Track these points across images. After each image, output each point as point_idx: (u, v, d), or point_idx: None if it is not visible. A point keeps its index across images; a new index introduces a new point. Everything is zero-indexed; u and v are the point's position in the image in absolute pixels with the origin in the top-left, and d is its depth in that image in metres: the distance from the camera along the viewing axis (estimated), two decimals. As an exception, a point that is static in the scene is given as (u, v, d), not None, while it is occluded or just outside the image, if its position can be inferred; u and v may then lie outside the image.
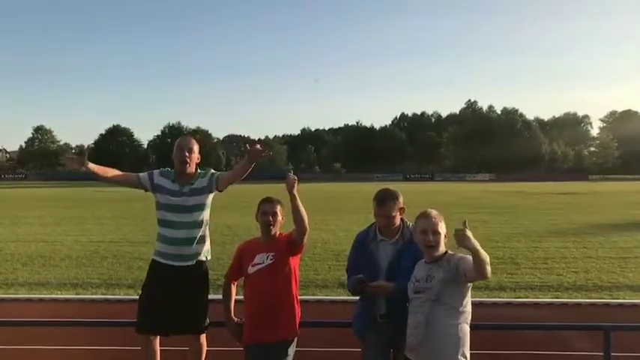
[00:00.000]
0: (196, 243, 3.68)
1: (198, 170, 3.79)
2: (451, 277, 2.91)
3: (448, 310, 2.93)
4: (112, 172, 3.76)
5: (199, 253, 3.71)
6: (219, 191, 3.76)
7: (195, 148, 3.77)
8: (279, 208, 3.54)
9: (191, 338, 3.72)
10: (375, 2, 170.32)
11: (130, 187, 3.84)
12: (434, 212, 3.09)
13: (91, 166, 3.52)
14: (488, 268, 2.77)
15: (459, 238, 2.79)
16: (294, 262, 3.57)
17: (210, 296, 3.80)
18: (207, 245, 3.80)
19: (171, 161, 3.78)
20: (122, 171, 3.87)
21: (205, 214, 3.74)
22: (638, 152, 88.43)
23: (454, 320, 2.94)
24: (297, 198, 3.37)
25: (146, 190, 3.80)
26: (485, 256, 2.76)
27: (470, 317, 3.03)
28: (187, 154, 3.69)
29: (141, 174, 3.83)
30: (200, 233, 3.70)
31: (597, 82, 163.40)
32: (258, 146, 3.51)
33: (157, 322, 3.62)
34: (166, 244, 3.67)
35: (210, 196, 3.77)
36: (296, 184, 3.39)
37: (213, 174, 3.77)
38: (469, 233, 2.77)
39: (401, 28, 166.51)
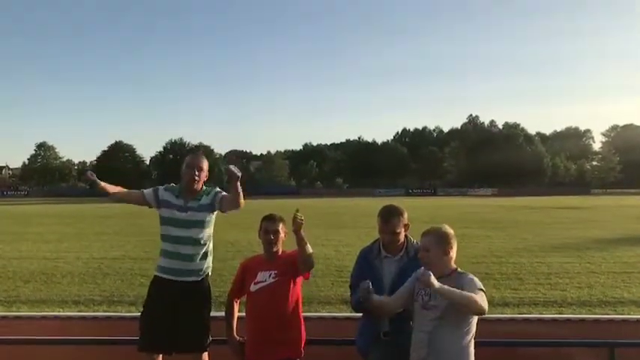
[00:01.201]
0: (200, 259, 3.70)
1: (204, 187, 3.82)
2: None
3: (452, 329, 2.89)
4: (119, 190, 3.83)
5: (201, 269, 3.72)
6: (222, 212, 3.77)
7: (205, 166, 3.81)
8: (281, 226, 3.55)
9: (193, 356, 3.70)
10: (377, 20, 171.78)
11: (135, 204, 3.88)
12: (431, 229, 3.05)
13: (103, 184, 3.66)
14: (480, 308, 2.76)
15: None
16: (297, 280, 3.57)
17: (212, 313, 3.80)
18: (210, 262, 3.82)
19: (173, 177, 3.84)
20: (125, 188, 3.93)
21: (208, 231, 3.76)
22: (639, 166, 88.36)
23: (458, 339, 2.90)
24: (304, 239, 3.34)
25: (150, 207, 3.83)
26: (464, 301, 2.74)
27: (473, 335, 2.99)
28: (197, 172, 3.73)
29: (145, 190, 3.87)
30: (203, 249, 3.73)
31: (599, 96, 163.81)
32: (232, 167, 3.44)
33: (159, 340, 3.61)
34: (169, 259, 3.69)
35: (214, 214, 3.79)
36: (302, 226, 3.32)
37: (217, 193, 3.77)
38: (433, 280, 2.75)
39: (402, 45, 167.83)
